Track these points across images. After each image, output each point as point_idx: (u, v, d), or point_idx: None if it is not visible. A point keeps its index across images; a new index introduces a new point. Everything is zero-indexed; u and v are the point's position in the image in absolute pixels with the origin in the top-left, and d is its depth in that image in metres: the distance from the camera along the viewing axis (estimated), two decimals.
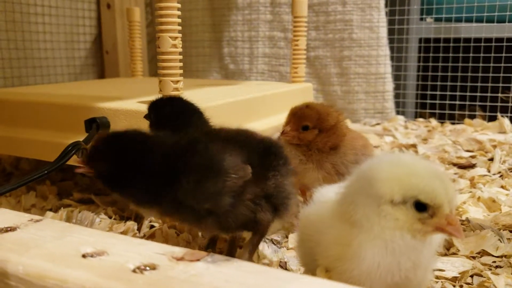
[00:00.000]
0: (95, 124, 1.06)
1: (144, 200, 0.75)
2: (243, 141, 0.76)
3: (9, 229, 0.63)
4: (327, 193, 0.69)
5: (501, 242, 0.94)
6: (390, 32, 2.11)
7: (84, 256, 0.55)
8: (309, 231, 0.66)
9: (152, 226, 1.05)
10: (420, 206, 0.55)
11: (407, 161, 0.58)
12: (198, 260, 0.53)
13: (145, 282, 0.49)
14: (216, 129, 0.81)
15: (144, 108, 1.06)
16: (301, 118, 1.02)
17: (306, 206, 0.71)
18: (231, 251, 0.90)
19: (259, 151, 0.75)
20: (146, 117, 0.92)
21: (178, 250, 0.55)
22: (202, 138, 0.75)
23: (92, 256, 0.55)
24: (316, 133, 1.02)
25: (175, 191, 0.70)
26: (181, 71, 1.06)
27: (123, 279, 0.50)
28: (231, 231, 0.77)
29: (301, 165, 1.02)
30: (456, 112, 2.07)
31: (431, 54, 2.09)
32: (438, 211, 0.55)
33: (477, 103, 2.01)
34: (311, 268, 0.68)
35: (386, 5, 2.08)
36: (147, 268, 0.52)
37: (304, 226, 0.69)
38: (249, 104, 1.31)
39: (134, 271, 0.51)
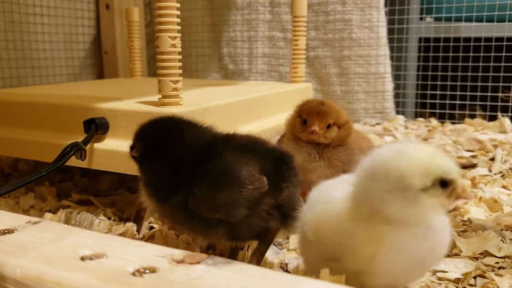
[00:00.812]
0: (94, 124, 1.06)
1: (162, 192, 0.74)
2: (257, 149, 0.74)
3: (6, 231, 0.62)
4: (333, 192, 0.68)
5: (503, 242, 0.93)
6: (390, 31, 2.10)
7: (82, 258, 0.54)
8: (325, 233, 0.64)
9: (151, 228, 1.04)
10: (444, 183, 0.59)
11: (416, 149, 0.61)
12: (198, 262, 0.52)
13: (145, 285, 0.48)
14: (229, 135, 0.79)
15: (143, 108, 1.05)
16: (325, 116, 1.02)
17: (313, 206, 0.69)
18: (233, 254, 0.89)
19: (273, 161, 0.74)
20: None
21: (178, 253, 0.54)
22: (218, 146, 0.74)
23: (90, 259, 0.54)
24: (337, 130, 1.03)
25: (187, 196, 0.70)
26: (180, 71, 1.05)
27: (122, 283, 0.49)
28: (242, 240, 0.76)
29: (312, 162, 1.02)
30: (457, 111, 2.07)
31: (431, 54, 2.08)
32: (456, 183, 0.60)
33: (478, 102, 2.00)
34: (319, 269, 0.67)
35: (385, 5, 2.08)
36: (147, 271, 0.51)
37: (317, 228, 0.66)
38: (248, 104, 1.31)
39: (133, 274, 0.50)
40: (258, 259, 0.76)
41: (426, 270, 0.63)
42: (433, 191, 0.59)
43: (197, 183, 0.69)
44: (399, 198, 0.58)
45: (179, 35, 1.04)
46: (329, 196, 0.67)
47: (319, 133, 1.02)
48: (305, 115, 1.04)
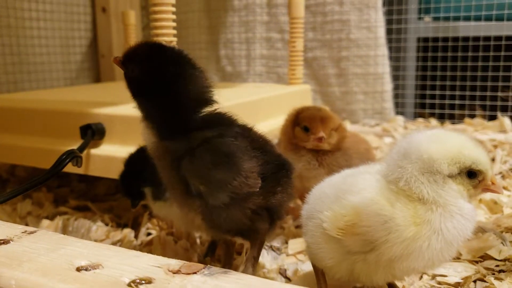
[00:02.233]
0: (90, 130, 1.05)
1: (155, 122, 0.71)
2: (266, 149, 0.74)
3: (2, 241, 0.61)
4: (358, 182, 0.67)
5: (503, 245, 0.92)
6: (388, 32, 2.10)
7: (78, 269, 0.54)
8: (360, 223, 0.63)
9: (149, 234, 1.04)
10: (472, 174, 0.63)
11: (450, 136, 0.65)
12: (195, 273, 0.51)
13: None
14: (247, 125, 0.78)
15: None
16: (328, 121, 1.01)
17: (337, 201, 0.67)
18: (228, 259, 0.88)
19: (275, 165, 0.73)
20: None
21: (174, 263, 0.53)
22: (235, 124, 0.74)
23: (86, 269, 0.54)
24: (336, 135, 1.02)
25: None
26: None
27: None
28: (221, 232, 0.74)
29: (312, 170, 1.01)
30: (456, 111, 2.06)
31: (429, 54, 2.08)
32: (485, 175, 0.63)
33: (477, 102, 1.99)
34: (342, 266, 0.67)
35: (383, 5, 2.07)
36: (143, 281, 0.50)
37: (349, 219, 0.64)
38: (247, 106, 1.30)
39: (129, 285, 0.50)
40: (252, 264, 0.75)
41: (454, 253, 0.64)
42: (460, 179, 0.63)
43: (202, 145, 0.68)
44: (428, 180, 0.62)
45: (175, 38, 1.04)
46: (356, 186, 0.66)
47: (326, 139, 1.00)
48: (307, 123, 1.02)
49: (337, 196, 0.67)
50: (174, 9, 1.02)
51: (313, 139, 0.99)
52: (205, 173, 0.68)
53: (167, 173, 0.72)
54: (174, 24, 1.03)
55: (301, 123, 1.02)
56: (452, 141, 0.63)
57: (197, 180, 0.68)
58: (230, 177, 0.67)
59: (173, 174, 0.70)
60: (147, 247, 1.00)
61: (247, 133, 0.75)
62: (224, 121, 0.74)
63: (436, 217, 0.61)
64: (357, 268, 0.66)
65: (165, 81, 0.70)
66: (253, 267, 0.75)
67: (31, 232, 0.65)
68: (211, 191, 0.68)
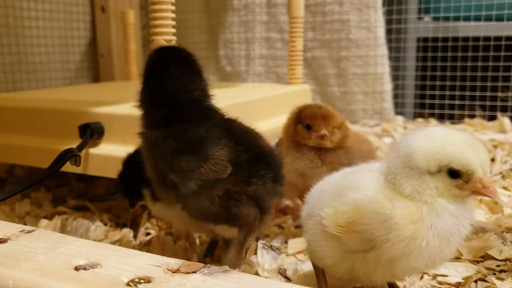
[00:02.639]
0: (89, 129, 1.05)
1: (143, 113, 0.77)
2: (245, 140, 0.74)
3: None
4: (359, 180, 0.67)
5: (504, 245, 0.92)
6: (388, 32, 2.09)
7: (76, 268, 0.53)
8: (359, 221, 0.62)
9: (148, 234, 1.03)
10: (454, 173, 0.60)
11: (440, 133, 0.63)
12: (194, 272, 0.51)
13: None
14: (233, 118, 0.80)
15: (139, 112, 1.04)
16: (330, 119, 1.00)
17: (338, 198, 0.67)
18: (211, 247, 0.91)
19: (252, 155, 0.73)
20: None
21: (174, 262, 0.53)
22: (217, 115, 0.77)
23: (84, 268, 0.53)
24: (338, 133, 1.01)
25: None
26: None
27: None
28: (201, 220, 0.75)
29: (315, 168, 1.00)
30: (456, 112, 2.06)
31: (429, 54, 2.07)
32: (471, 176, 0.60)
33: (477, 102, 1.99)
34: (342, 265, 0.67)
35: (383, 5, 2.07)
36: (142, 281, 0.50)
37: (349, 217, 0.64)
38: (246, 106, 1.30)
39: (128, 284, 0.49)
40: (237, 249, 0.74)
41: (453, 251, 0.63)
42: (440, 177, 0.61)
43: (175, 136, 0.71)
44: (407, 174, 0.62)
45: (175, 37, 1.03)
46: (358, 183, 0.66)
47: (328, 137, 1.00)
48: (309, 120, 1.01)
49: (338, 193, 0.67)
50: (173, 7, 1.02)
51: (315, 136, 0.98)
52: (172, 161, 0.70)
53: (147, 163, 0.75)
54: (173, 22, 1.02)
55: (303, 120, 1.01)
56: (441, 138, 0.62)
57: (166, 168, 0.70)
58: (197, 164, 0.68)
59: (151, 164, 0.73)
60: (146, 247, 0.99)
61: (227, 125, 0.76)
62: (207, 114, 0.76)
63: (426, 214, 0.60)
64: (356, 267, 0.65)
65: (150, 76, 0.77)
66: (237, 252, 0.74)
67: (29, 231, 0.64)
68: (180, 179, 0.70)
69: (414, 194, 0.61)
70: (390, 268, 0.63)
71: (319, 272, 0.75)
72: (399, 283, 0.78)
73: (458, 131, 0.64)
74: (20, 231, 0.64)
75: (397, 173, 0.63)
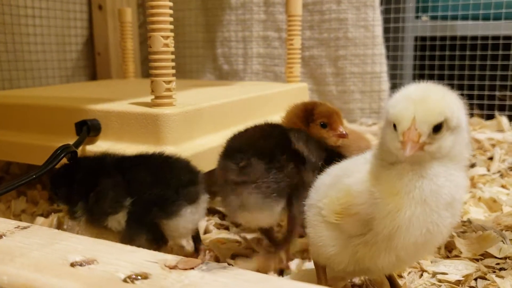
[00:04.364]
0: (85, 126, 1.04)
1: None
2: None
3: None
4: (351, 167, 0.67)
5: (504, 243, 0.91)
6: (386, 30, 2.09)
7: (72, 264, 0.52)
8: (354, 205, 0.62)
9: None
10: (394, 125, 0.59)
11: (410, 89, 0.61)
12: (192, 268, 0.50)
13: None
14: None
15: (136, 109, 1.03)
16: (340, 115, 0.99)
17: (333, 187, 0.67)
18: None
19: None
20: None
21: (171, 258, 0.52)
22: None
23: (80, 265, 0.52)
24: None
25: None
26: (173, 71, 1.03)
27: None
28: None
29: None
30: None
31: (427, 53, 2.07)
32: (399, 127, 0.58)
33: (475, 101, 1.99)
34: (345, 252, 0.66)
35: (381, 4, 2.06)
36: (139, 277, 0.49)
37: (343, 202, 0.64)
38: (243, 104, 1.29)
39: (125, 280, 0.49)
40: None
41: (444, 221, 0.60)
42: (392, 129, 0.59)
43: None
44: (386, 131, 0.61)
45: (172, 34, 1.02)
46: (350, 170, 0.66)
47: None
48: (326, 119, 1.00)
49: (333, 182, 0.68)
50: (171, 4, 1.01)
51: (334, 135, 0.97)
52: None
53: None
54: (171, 19, 1.01)
55: (318, 119, 1.00)
56: (404, 90, 0.61)
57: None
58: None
59: None
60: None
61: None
62: None
63: (404, 181, 0.59)
64: (360, 254, 0.64)
65: None
66: None
67: (25, 227, 0.63)
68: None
69: (391, 148, 0.60)
70: (391, 249, 0.62)
71: (320, 269, 0.75)
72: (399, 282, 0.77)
73: (431, 86, 0.63)
74: (16, 227, 0.63)
75: (380, 136, 0.62)
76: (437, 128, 0.58)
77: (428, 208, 0.59)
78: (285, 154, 0.82)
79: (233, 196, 0.81)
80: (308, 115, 1.01)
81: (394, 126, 0.58)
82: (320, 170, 0.77)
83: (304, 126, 1.00)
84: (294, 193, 0.82)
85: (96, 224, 0.81)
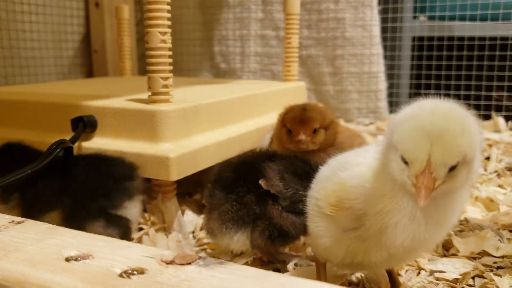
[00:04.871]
0: (82, 123, 1.03)
1: None
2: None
3: None
4: (349, 159, 0.67)
5: (501, 242, 0.91)
6: (383, 30, 2.09)
7: (67, 259, 0.52)
8: (349, 197, 0.61)
9: (141, 229, 1.02)
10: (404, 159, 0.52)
11: (421, 111, 0.54)
12: (189, 263, 0.49)
13: (133, 287, 0.46)
14: None
15: (132, 105, 1.03)
16: (309, 122, 1.00)
17: (330, 178, 0.66)
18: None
19: None
20: None
21: (168, 253, 0.52)
22: None
23: (76, 259, 0.52)
24: (324, 133, 1.00)
25: None
26: (170, 68, 1.03)
27: (109, 285, 0.46)
28: None
29: None
30: None
31: (424, 53, 2.07)
32: (411, 166, 0.52)
33: (471, 101, 1.99)
34: (340, 245, 0.66)
35: (379, 3, 2.06)
36: (135, 272, 0.48)
37: (339, 194, 0.63)
38: (240, 102, 1.28)
39: (120, 275, 0.48)
40: None
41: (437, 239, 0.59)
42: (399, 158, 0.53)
43: None
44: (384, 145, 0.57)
45: (169, 30, 1.01)
46: (348, 163, 0.66)
47: (307, 141, 0.99)
48: (289, 125, 1.01)
49: (330, 175, 0.67)
50: (168, 0, 1.00)
51: (294, 142, 0.98)
52: None
53: None
54: (168, 15, 1.01)
55: (286, 124, 1.02)
56: (412, 111, 0.54)
57: None
58: None
59: None
60: (138, 243, 0.97)
61: None
62: None
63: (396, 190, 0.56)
64: (353, 247, 0.64)
65: None
66: None
67: (19, 222, 0.63)
68: None
69: (398, 178, 0.54)
70: (382, 246, 0.60)
71: (320, 265, 0.75)
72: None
73: (447, 112, 0.55)
74: (10, 222, 0.63)
75: (381, 145, 0.59)
76: (454, 167, 0.51)
77: (416, 222, 0.56)
78: (246, 186, 0.82)
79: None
80: (282, 120, 1.03)
81: (403, 157, 0.53)
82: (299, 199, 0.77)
83: (280, 129, 1.02)
84: (258, 223, 0.81)
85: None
